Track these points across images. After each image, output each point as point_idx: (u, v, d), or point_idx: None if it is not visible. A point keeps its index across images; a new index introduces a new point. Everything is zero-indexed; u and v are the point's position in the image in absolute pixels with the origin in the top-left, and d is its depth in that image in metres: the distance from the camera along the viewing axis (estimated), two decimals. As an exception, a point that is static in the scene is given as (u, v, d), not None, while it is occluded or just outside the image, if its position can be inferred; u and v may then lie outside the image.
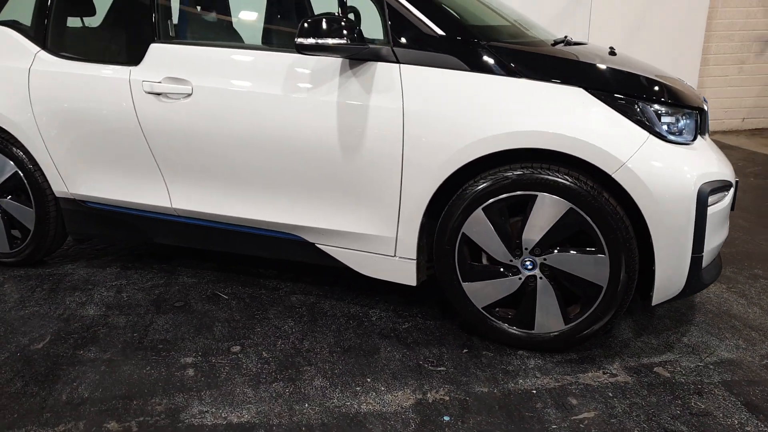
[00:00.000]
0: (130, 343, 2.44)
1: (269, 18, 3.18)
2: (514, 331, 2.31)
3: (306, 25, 2.18)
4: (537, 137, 2.08)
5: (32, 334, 2.52)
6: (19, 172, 3.02)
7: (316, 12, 2.75)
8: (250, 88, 2.47)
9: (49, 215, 3.06)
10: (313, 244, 2.60)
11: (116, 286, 2.98)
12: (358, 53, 2.27)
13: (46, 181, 3.01)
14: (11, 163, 3.02)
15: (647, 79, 2.20)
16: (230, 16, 3.15)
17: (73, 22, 2.99)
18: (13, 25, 3.03)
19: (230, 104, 2.50)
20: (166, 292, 2.90)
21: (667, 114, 2.14)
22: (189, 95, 2.56)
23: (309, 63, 2.39)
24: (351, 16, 3.17)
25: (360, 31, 2.25)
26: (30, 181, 3.01)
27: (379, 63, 2.30)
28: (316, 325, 2.57)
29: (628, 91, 2.12)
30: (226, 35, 2.96)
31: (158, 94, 2.61)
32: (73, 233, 3.12)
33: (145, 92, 2.63)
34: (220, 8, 3.11)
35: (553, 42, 2.56)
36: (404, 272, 2.46)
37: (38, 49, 2.91)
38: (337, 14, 2.22)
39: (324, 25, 2.17)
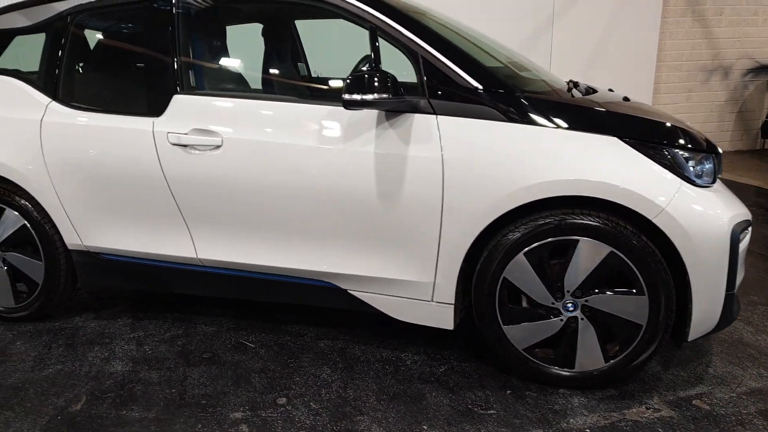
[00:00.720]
0: (171, 400, 2.39)
1: (295, 69, 3.22)
2: (556, 371, 2.40)
3: (351, 81, 2.23)
4: (581, 185, 2.19)
5: (66, 394, 2.43)
6: (28, 225, 2.92)
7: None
8: (283, 139, 2.49)
9: (60, 268, 2.96)
10: (346, 290, 2.62)
11: (135, 338, 2.90)
12: (398, 106, 2.34)
13: (57, 233, 2.92)
14: (19, 215, 2.92)
15: (672, 126, 2.36)
16: (255, 67, 3.16)
17: (84, 72, 2.93)
18: (17, 74, 2.94)
19: (263, 155, 2.51)
20: (189, 343, 2.85)
21: (692, 159, 2.30)
22: (218, 147, 2.55)
23: (344, 115, 2.44)
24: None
25: (399, 84, 2.32)
26: (39, 233, 2.91)
27: (416, 114, 2.37)
28: (354, 371, 2.58)
29: (657, 139, 2.28)
30: (251, 86, 2.97)
31: (185, 145, 2.59)
32: (86, 286, 3.02)
33: (171, 144, 2.61)
34: (243, 60, 3.11)
35: (568, 87, 2.71)
36: (442, 317, 2.52)
37: (49, 99, 2.83)
38: (373, 68, 2.29)
39: (369, 82, 2.23)
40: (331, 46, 4.11)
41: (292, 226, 2.57)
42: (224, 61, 2.95)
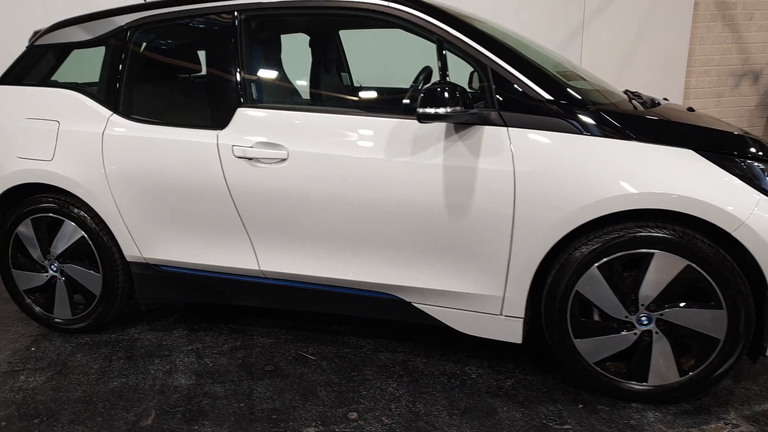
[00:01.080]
0: (241, 415, 2.38)
1: (350, 81, 3.21)
2: (629, 385, 2.38)
3: (425, 95, 2.23)
4: (658, 198, 2.18)
5: (134, 409, 2.43)
6: (86, 237, 2.92)
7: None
8: (350, 152, 2.48)
9: (117, 280, 2.96)
10: (410, 303, 2.61)
11: (194, 350, 2.90)
12: (470, 119, 2.33)
13: (116, 245, 2.92)
14: (78, 227, 2.92)
15: (747, 137, 2.34)
16: (316, 80, 3.16)
17: (145, 85, 2.93)
18: (76, 87, 2.95)
19: (329, 168, 2.51)
20: (249, 355, 2.84)
21: (766, 170, 2.27)
22: (284, 160, 2.55)
23: (412, 127, 2.44)
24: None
25: (470, 96, 2.31)
26: (97, 245, 2.92)
27: (486, 126, 2.36)
28: (420, 385, 2.57)
29: (733, 150, 2.26)
30: (314, 99, 2.98)
31: (250, 158, 2.59)
32: (144, 298, 3.02)
33: (236, 157, 2.61)
34: (304, 72, 3.12)
35: (628, 97, 2.69)
36: (510, 330, 2.50)
37: (110, 112, 2.84)
38: (444, 81, 2.28)
39: (441, 95, 2.22)
40: (372, 56, 4.12)
41: (358, 238, 2.56)
42: (285, 74, 2.95)
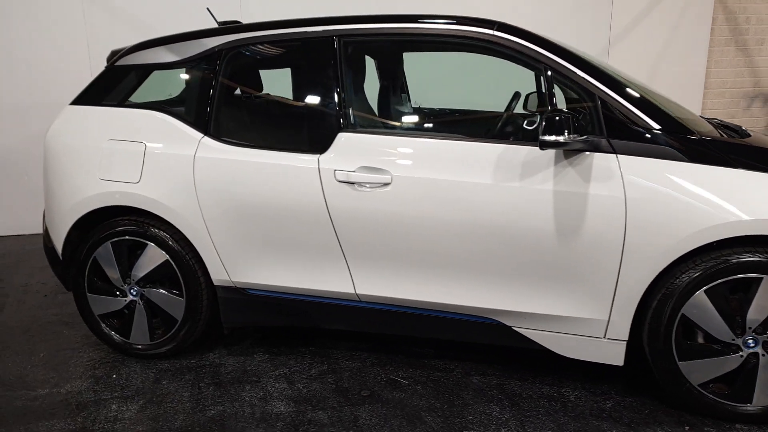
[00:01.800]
0: (356, 443, 2.37)
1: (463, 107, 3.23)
2: (734, 407, 2.42)
3: (547, 123, 2.27)
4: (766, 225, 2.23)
5: (245, 439, 2.40)
6: (171, 261, 2.89)
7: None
8: (456, 177, 2.51)
9: (202, 304, 2.93)
10: (510, 327, 2.63)
11: (282, 376, 2.87)
12: (585, 146, 2.36)
13: (201, 269, 2.89)
14: (162, 251, 2.88)
15: None
16: (415, 104, 3.18)
17: (237, 108, 2.93)
18: (162, 109, 2.93)
19: (434, 193, 2.53)
20: (341, 380, 2.83)
21: None
22: (387, 184, 2.56)
23: (520, 153, 2.47)
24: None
25: (582, 124, 2.36)
26: (183, 269, 2.88)
27: (596, 153, 2.40)
28: (522, 409, 2.58)
29: None
30: (413, 124, 3.00)
31: (352, 183, 2.60)
32: (229, 322, 2.99)
33: (338, 181, 2.61)
34: (402, 97, 3.14)
35: (714, 125, 2.76)
36: (612, 353, 2.53)
37: (201, 135, 2.82)
38: (559, 109, 2.33)
39: (562, 123, 2.27)
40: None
41: (461, 262, 2.57)
42: (382, 98, 2.97)
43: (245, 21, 3.08)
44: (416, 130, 2.97)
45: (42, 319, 3.55)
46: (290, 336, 3.26)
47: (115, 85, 3.05)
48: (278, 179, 2.70)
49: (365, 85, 2.98)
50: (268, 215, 2.73)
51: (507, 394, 2.70)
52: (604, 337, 2.52)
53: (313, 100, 2.74)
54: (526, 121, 2.80)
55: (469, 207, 2.50)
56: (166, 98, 3.10)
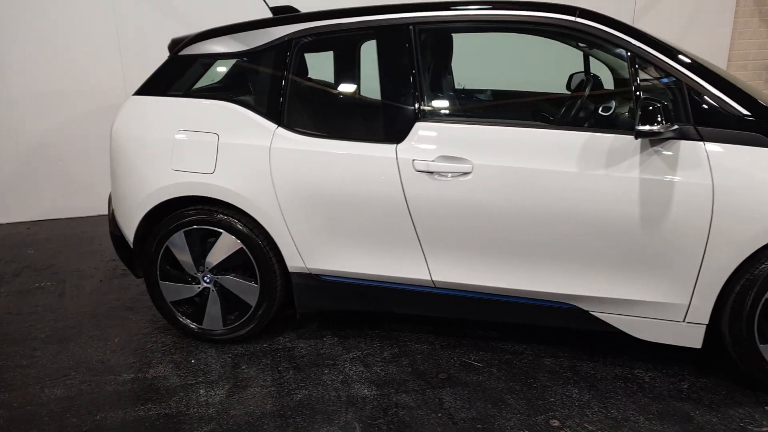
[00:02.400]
0: (446, 425, 2.44)
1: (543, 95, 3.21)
2: (813, 386, 2.50)
3: (643, 113, 2.29)
4: None
5: (336, 422, 2.46)
6: (245, 249, 2.92)
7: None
8: (539, 165, 2.53)
9: (275, 290, 2.97)
10: (587, 311, 2.69)
11: (357, 359, 2.94)
12: (675, 134, 2.38)
13: (275, 256, 2.92)
14: (236, 239, 2.91)
15: None
16: (489, 92, 3.18)
17: (310, 98, 2.92)
18: (231, 99, 2.92)
19: (516, 181, 2.55)
20: (415, 363, 2.89)
21: None
22: (467, 173, 2.59)
23: (605, 141, 2.49)
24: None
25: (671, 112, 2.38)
26: (258, 257, 2.91)
27: (683, 141, 2.43)
28: (600, 390, 2.65)
29: None
30: (493, 112, 3.00)
31: (431, 172, 2.62)
32: (303, 307, 3.03)
33: (417, 170, 2.63)
34: (477, 84, 3.13)
35: None
36: (691, 336, 2.59)
37: (275, 125, 2.83)
38: (651, 98, 2.34)
39: (657, 112, 2.29)
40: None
41: (541, 249, 2.61)
42: (457, 86, 2.97)
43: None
44: (493, 118, 2.97)
45: (105, 304, 3.59)
46: (354, 319, 3.31)
47: (180, 74, 3.03)
48: (356, 169, 2.71)
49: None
50: (344, 204, 2.76)
51: (582, 376, 2.77)
52: (684, 321, 2.58)
53: (388, 89, 2.73)
54: (601, 107, 2.81)
55: (553, 195, 2.53)
56: (215, 85, 3.07)
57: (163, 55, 4.56)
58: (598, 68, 3.30)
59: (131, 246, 3.10)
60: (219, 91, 3.00)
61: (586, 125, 2.81)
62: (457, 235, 2.68)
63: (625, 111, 2.79)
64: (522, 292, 2.71)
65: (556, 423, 2.45)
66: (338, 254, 2.86)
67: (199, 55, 3.00)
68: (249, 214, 2.87)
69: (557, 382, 2.72)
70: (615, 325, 2.68)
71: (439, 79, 2.86)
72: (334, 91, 3.00)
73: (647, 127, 2.29)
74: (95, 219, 5.25)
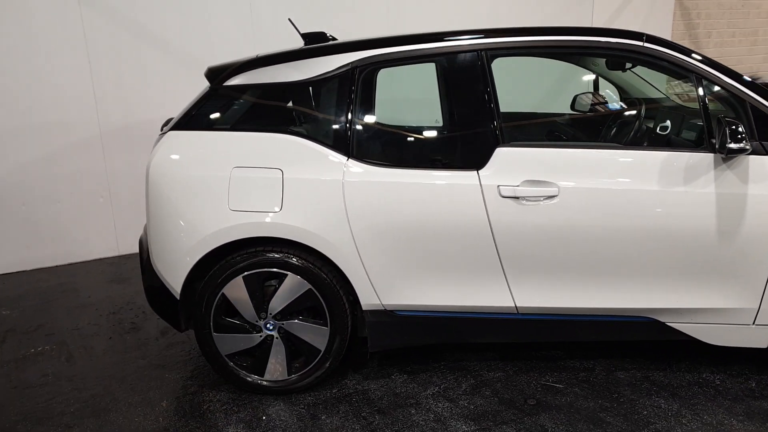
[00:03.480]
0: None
1: (617, 118, 3.25)
2: None
3: (731, 132, 2.43)
4: None
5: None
6: (314, 290, 2.76)
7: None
8: (620, 185, 2.61)
9: (346, 332, 2.83)
10: (664, 323, 2.78)
11: (438, 394, 2.85)
12: (751, 151, 2.54)
13: (347, 294, 2.79)
14: (304, 281, 2.75)
15: None
16: (566, 115, 3.20)
17: (379, 127, 2.83)
18: (295, 132, 2.77)
19: (599, 202, 2.62)
20: (497, 392, 2.85)
21: None
22: (553, 197, 2.61)
23: (682, 159, 2.61)
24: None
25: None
26: (329, 297, 2.77)
27: (751, 156, 2.59)
28: (683, 398, 2.75)
29: None
30: (570, 134, 3.04)
31: (517, 197, 2.62)
32: (377, 347, 2.90)
33: (503, 197, 2.63)
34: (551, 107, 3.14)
35: None
36: (758, 337, 2.76)
37: (344, 157, 2.71)
38: (730, 119, 2.49)
39: (741, 130, 2.44)
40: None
41: (623, 267, 2.68)
42: (532, 110, 2.99)
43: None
44: (571, 140, 3.03)
45: (129, 364, 3.25)
46: (416, 353, 3.21)
47: (226, 107, 2.85)
48: (436, 198, 2.66)
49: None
50: (424, 235, 2.69)
51: (659, 385, 2.85)
52: (753, 324, 2.73)
53: (464, 115, 2.72)
54: (659, 127, 2.95)
55: (635, 214, 2.61)
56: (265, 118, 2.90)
57: (140, 83, 4.32)
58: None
59: (177, 297, 2.83)
60: (273, 124, 2.83)
61: (646, 144, 2.93)
62: (542, 260, 2.69)
63: (676, 129, 2.94)
64: (603, 310, 2.76)
65: (663, 436, 2.50)
66: (417, 288, 2.78)
67: (249, 86, 2.83)
68: (321, 252, 2.72)
69: (640, 394, 2.79)
70: (689, 333, 2.79)
71: (517, 104, 2.88)
72: (406, 119, 2.93)
73: (737, 145, 2.43)
74: (68, 268, 4.76)
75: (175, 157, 2.80)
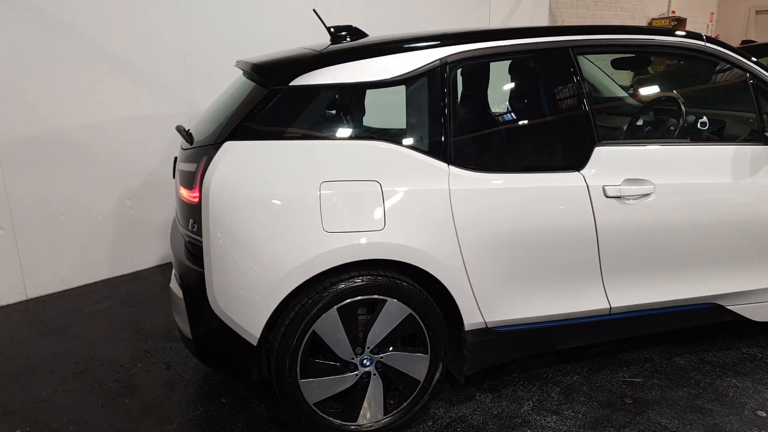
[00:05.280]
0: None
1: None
2: None
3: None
4: None
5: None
6: (414, 315, 2.45)
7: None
8: (704, 179, 2.72)
9: (445, 357, 2.56)
10: (723, 306, 2.96)
11: (538, 408, 2.71)
12: None
13: (445, 316, 2.53)
14: (403, 305, 2.42)
15: None
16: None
17: (475, 128, 2.58)
18: (386, 138, 2.43)
19: (689, 197, 2.70)
20: (589, 396, 2.80)
21: None
22: (649, 194, 2.63)
23: (746, 152, 2.79)
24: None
25: None
26: (428, 322, 2.47)
27: None
28: (751, 374, 2.94)
29: None
30: (655, 131, 3.03)
31: (619, 197, 2.59)
32: (474, 368, 2.65)
33: (607, 197, 2.58)
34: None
35: None
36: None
37: (445, 164, 2.44)
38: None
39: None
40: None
41: (705, 258, 2.80)
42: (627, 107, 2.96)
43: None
44: (659, 137, 3.06)
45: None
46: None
47: (294, 111, 2.39)
48: (543, 202, 2.52)
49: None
50: (530, 243, 2.53)
51: (718, 366, 3.03)
52: (794, 298, 3.02)
53: (560, 114, 2.60)
54: (699, 123, 3.09)
55: (715, 206, 2.73)
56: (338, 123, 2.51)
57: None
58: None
59: (253, 342, 2.33)
60: (357, 130, 2.44)
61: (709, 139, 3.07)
62: (637, 258, 2.69)
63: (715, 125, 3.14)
64: (680, 301, 2.84)
65: (762, 413, 2.64)
66: (518, 301, 2.60)
67: (323, 87, 2.40)
68: (426, 272, 2.41)
69: (711, 377, 2.93)
70: (741, 314, 3.00)
71: (610, 101, 2.83)
72: (502, 119, 2.71)
73: None
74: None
75: (242, 174, 2.28)
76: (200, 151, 2.41)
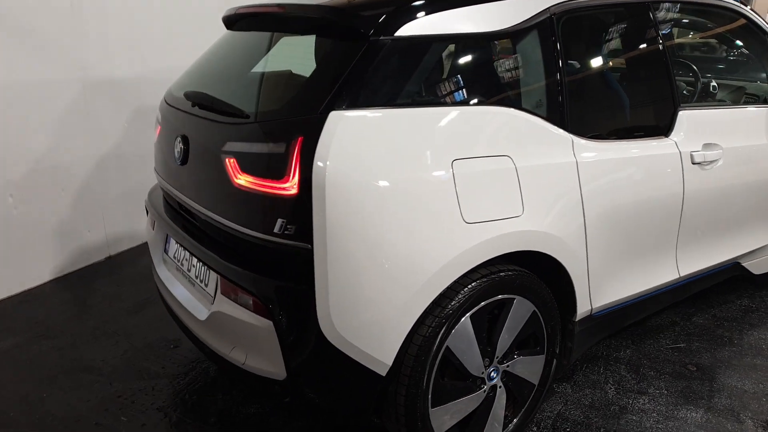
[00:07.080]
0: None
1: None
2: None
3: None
4: None
5: None
6: (537, 311, 2.11)
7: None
8: (758, 141, 2.76)
9: (558, 353, 2.27)
10: (740, 264, 3.08)
11: (622, 390, 2.57)
12: None
13: (563, 305, 2.23)
14: (528, 302, 2.07)
15: None
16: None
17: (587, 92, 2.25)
18: (510, 103, 2.00)
19: (748, 160, 2.73)
20: (652, 368, 2.73)
21: None
22: (719, 159, 2.58)
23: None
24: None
25: None
26: (547, 317, 2.15)
27: None
28: (761, 327, 3.11)
29: None
30: (714, 95, 2.91)
31: (700, 162, 2.51)
32: (574, 359, 2.38)
33: (693, 163, 2.47)
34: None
35: None
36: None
37: (567, 133, 2.10)
38: None
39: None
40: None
41: (746, 219, 2.86)
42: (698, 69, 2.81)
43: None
44: (718, 101, 2.96)
45: None
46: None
47: (408, 70, 1.84)
48: (648, 172, 2.33)
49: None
50: (637, 218, 2.33)
51: (732, 321, 3.18)
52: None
53: (652, 76, 2.41)
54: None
55: (758, 166, 2.78)
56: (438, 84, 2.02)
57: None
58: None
59: (381, 372, 1.79)
60: (475, 93, 1.96)
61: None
62: (704, 224, 2.65)
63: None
64: (725, 261, 2.87)
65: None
66: (619, 281, 2.40)
67: (433, 38, 1.88)
68: (556, 259, 2.07)
69: (733, 332, 3.05)
70: (748, 267, 3.14)
71: (685, 63, 2.65)
72: (608, 82, 2.38)
73: None
74: None
75: (362, 153, 1.70)
76: (282, 126, 1.75)
